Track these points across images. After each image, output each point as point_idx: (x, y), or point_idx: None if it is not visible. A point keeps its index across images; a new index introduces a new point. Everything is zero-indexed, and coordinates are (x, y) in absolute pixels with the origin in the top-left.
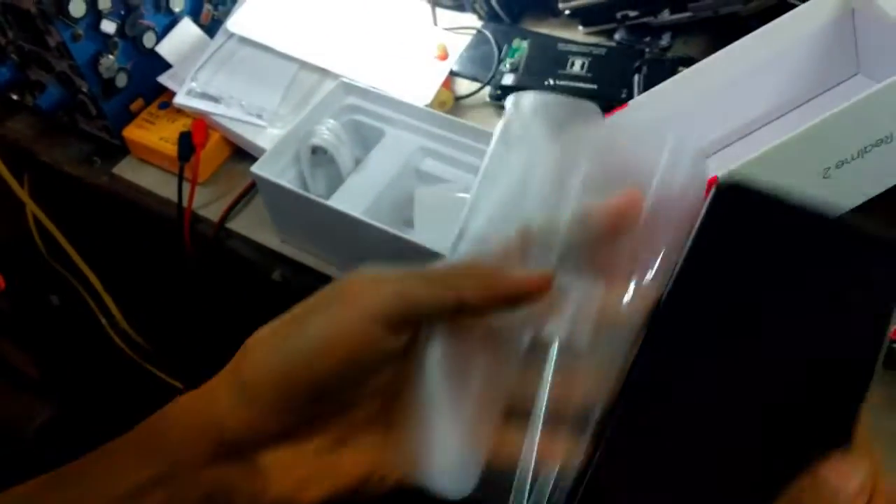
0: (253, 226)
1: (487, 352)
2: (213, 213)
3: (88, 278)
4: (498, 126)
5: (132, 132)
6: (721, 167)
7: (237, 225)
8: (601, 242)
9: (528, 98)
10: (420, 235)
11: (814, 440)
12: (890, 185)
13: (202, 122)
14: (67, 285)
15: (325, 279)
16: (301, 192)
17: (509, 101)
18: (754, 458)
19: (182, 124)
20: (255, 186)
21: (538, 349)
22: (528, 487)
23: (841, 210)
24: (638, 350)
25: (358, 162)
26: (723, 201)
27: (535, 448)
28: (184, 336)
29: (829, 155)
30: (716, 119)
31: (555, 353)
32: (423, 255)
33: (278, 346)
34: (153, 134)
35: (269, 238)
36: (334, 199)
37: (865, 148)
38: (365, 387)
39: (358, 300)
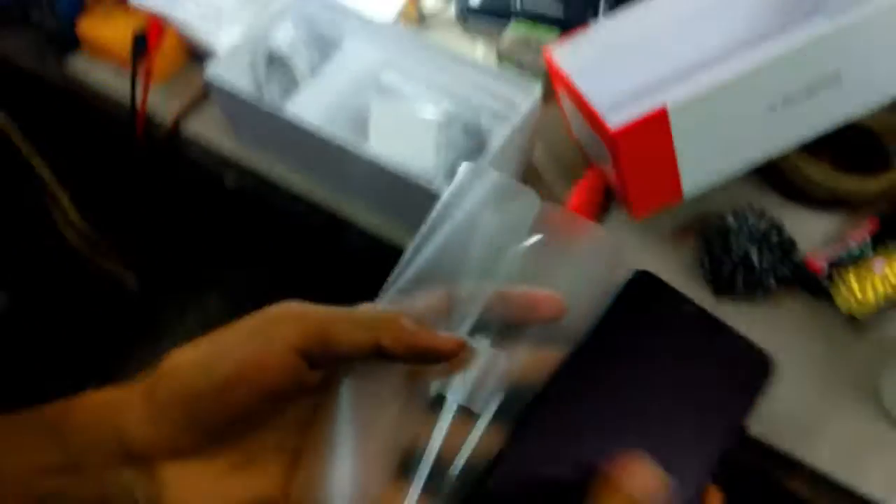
0: (207, 130)
1: (396, 400)
2: (168, 114)
3: (41, 173)
4: (447, 189)
5: (86, 27)
6: (675, 99)
7: (192, 128)
8: (514, 321)
9: (480, 169)
10: (374, 147)
11: None
12: (834, 124)
13: (158, 21)
14: (22, 181)
15: (274, 186)
16: (254, 98)
17: (461, 169)
18: None
19: (138, 21)
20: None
21: (440, 405)
22: None
23: (786, 147)
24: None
25: (315, 71)
26: (632, 288)
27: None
28: (135, 234)
29: (776, 90)
30: (676, 50)
31: (452, 410)
32: (375, 166)
33: (194, 370)
34: (108, 30)
35: (222, 143)
36: (289, 107)
37: (812, 86)
38: (279, 414)
39: (279, 331)
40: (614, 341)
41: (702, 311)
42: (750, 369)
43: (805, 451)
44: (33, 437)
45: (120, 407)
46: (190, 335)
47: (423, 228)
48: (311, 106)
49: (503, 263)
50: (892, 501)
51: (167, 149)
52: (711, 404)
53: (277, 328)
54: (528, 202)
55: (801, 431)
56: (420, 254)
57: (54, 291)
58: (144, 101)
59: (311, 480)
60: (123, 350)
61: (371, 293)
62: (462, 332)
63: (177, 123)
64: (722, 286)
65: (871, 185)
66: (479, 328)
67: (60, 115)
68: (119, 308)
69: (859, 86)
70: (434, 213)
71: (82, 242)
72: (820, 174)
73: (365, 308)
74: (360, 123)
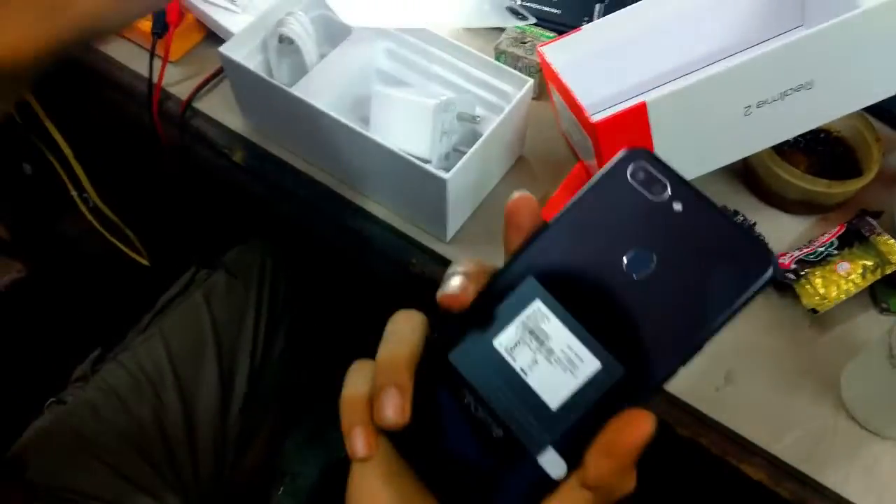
0: (220, 108)
1: None
2: (182, 92)
3: (61, 148)
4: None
5: None
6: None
7: (204, 106)
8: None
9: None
10: (374, 133)
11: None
12: (805, 129)
13: (177, 2)
14: (40, 155)
15: (284, 165)
16: (265, 76)
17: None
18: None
19: None
20: (223, 70)
21: None
22: None
23: (759, 148)
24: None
25: (323, 57)
26: (624, 162)
27: None
28: (147, 210)
29: (751, 93)
30: (662, 55)
31: None
32: (374, 146)
33: None
34: None
35: (233, 121)
36: (296, 88)
37: (786, 91)
38: None
39: None
40: (597, 213)
41: (700, 195)
42: (743, 263)
43: (765, 438)
44: None
45: None
46: None
47: None
48: (317, 90)
49: None
50: (846, 489)
51: (180, 124)
52: (696, 291)
53: None
54: None
55: (763, 419)
56: None
57: (68, 265)
58: (161, 77)
59: None
60: (133, 324)
61: (374, 271)
62: None
63: (190, 100)
64: None
65: (841, 188)
66: None
67: (80, 90)
68: (130, 283)
69: (831, 93)
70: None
71: (97, 217)
72: (792, 176)
73: None
74: (363, 108)
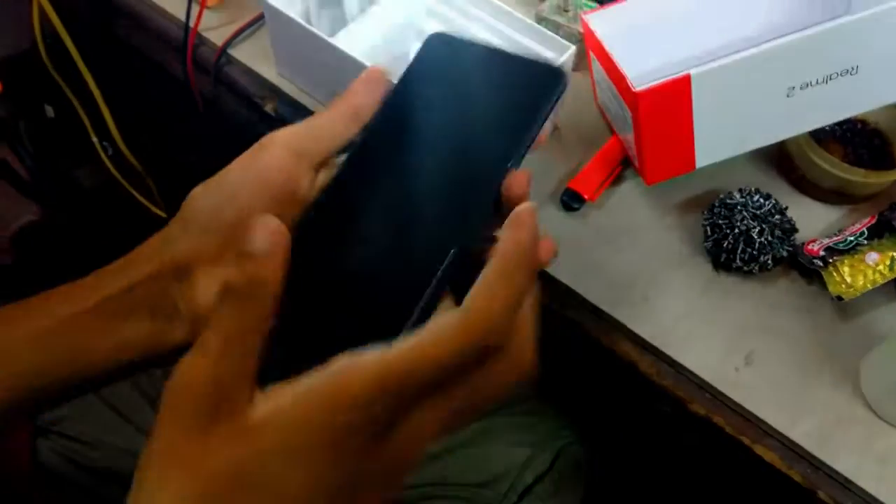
0: (254, 57)
1: None
2: (217, 37)
3: (88, 91)
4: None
5: None
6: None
7: (238, 53)
8: None
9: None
10: None
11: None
12: (847, 115)
13: None
14: (64, 99)
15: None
16: (306, 25)
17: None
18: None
19: None
20: (261, 19)
21: None
22: None
23: (799, 131)
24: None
25: (363, 11)
26: (430, 47)
27: None
28: (170, 160)
29: (796, 74)
30: (709, 32)
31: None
32: None
33: (210, 187)
34: None
35: (267, 71)
36: (336, 39)
37: (831, 75)
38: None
39: (274, 140)
40: (416, 92)
41: (492, 49)
42: (545, 82)
43: (781, 422)
44: (104, 276)
45: (164, 234)
46: None
47: None
48: (356, 43)
49: None
50: (858, 477)
51: (213, 70)
52: (515, 113)
53: (272, 139)
54: None
55: (780, 403)
56: None
57: (83, 213)
58: (198, 21)
59: None
60: None
61: None
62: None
63: (225, 47)
64: (721, 259)
65: (875, 179)
66: None
67: (113, 32)
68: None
69: (875, 81)
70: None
71: (116, 165)
72: (828, 163)
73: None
74: (400, 65)
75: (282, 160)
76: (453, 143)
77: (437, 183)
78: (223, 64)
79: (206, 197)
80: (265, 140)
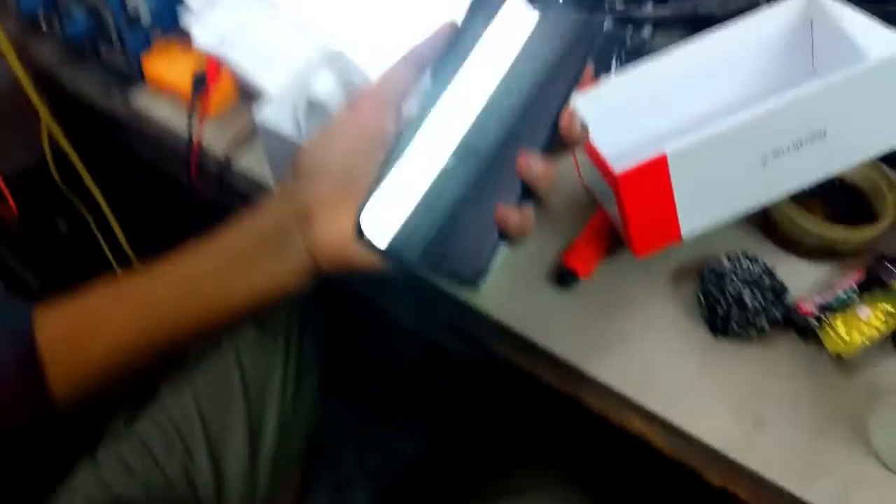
0: (255, 163)
1: None
2: (219, 148)
3: (98, 204)
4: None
5: (151, 65)
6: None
7: (241, 161)
8: None
9: None
10: None
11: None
12: (820, 177)
13: (216, 62)
14: (76, 213)
15: None
16: (296, 139)
17: None
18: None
19: (197, 62)
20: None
21: None
22: None
23: (777, 197)
24: None
25: None
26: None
27: None
28: None
29: (767, 143)
30: (679, 106)
31: None
32: None
33: (317, 143)
34: (170, 68)
35: (269, 176)
36: None
37: (801, 141)
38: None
39: (362, 95)
40: (471, 47)
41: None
42: (586, 30)
43: (796, 484)
44: (230, 231)
45: (285, 193)
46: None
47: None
48: None
49: None
50: None
51: (218, 180)
52: (562, 61)
53: (360, 95)
54: None
55: (793, 465)
56: None
57: None
58: (200, 134)
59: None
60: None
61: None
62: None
63: (228, 156)
64: (718, 325)
65: (857, 235)
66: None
67: (120, 147)
68: None
69: (844, 142)
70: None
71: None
72: (810, 223)
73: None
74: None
75: (372, 109)
76: (513, 90)
77: (502, 126)
78: (227, 173)
79: (315, 151)
80: (354, 96)
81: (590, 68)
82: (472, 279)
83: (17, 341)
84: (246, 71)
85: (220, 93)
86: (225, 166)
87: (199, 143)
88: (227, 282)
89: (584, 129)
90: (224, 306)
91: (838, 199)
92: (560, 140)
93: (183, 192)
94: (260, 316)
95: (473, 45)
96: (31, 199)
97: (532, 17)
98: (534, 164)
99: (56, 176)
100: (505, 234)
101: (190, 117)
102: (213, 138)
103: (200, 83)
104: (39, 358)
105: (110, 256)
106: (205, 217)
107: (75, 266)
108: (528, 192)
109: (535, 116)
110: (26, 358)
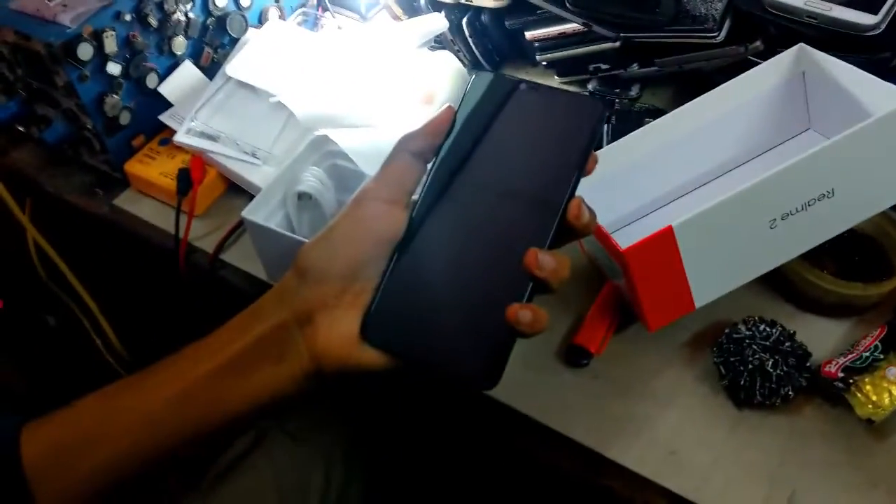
0: (245, 257)
1: None
2: (208, 244)
3: (86, 302)
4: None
5: (133, 167)
6: (680, 214)
7: (230, 256)
8: None
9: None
10: None
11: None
12: (831, 235)
13: (200, 160)
14: (64, 308)
15: None
16: (288, 234)
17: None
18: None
19: (181, 160)
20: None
21: None
22: None
23: (787, 258)
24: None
25: (342, 205)
26: (476, 86)
27: None
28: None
29: (775, 207)
30: (677, 169)
31: None
32: None
33: (320, 243)
34: (153, 169)
35: (260, 270)
36: None
37: (809, 202)
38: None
39: (367, 195)
40: (469, 132)
41: (536, 85)
42: (589, 115)
43: None
44: (230, 332)
45: (281, 286)
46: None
47: None
48: None
49: None
50: None
51: (208, 276)
52: (566, 145)
53: (365, 195)
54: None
55: None
56: None
57: None
58: (187, 232)
59: None
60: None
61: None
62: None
63: (217, 250)
64: (741, 396)
65: (876, 290)
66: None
67: (106, 247)
68: None
69: (853, 199)
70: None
71: (125, 371)
72: (826, 282)
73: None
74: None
75: (379, 210)
76: (516, 180)
77: (505, 216)
78: (217, 268)
79: (318, 252)
80: (359, 196)
81: (595, 155)
82: (485, 383)
83: (1, 459)
84: (232, 166)
85: (206, 188)
86: (214, 261)
87: (187, 241)
88: (224, 389)
89: (594, 217)
90: (222, 415)
91: (850, 251)
92: (568, 230)
93: (173, 288)
94: (294, 432)
95: (473, 131)
96: (17, 295)
97: (533, 98)
98: (545, 262)
99: (42, 273)
100: (517, 333)
101: (177, 217)
102: (202, 234)
103: (185, 181)
104: (25, 476)
105: (103, 350)
106: (197, 311)
107: (64, 361)
108: (538, 287)
109: (539, 206)
110: (11, 476)
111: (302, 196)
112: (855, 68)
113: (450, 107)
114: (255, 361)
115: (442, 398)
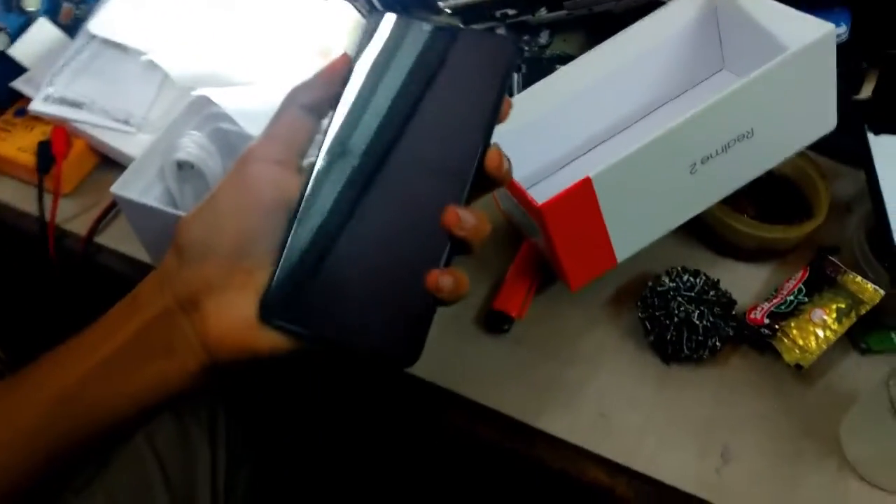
0: (125, 238)
1: None
2: (80, 226)
3: None
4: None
5: None
6: (597, 164)
7: (108, 238)
8: None
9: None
10: None
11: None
12: (752, 177)
13: (63, 130)
14: None
15: None
16: (167, 209)
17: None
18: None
19: (41, 132)
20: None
21: None
22: None
23: (709, 204)
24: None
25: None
26: (374, 29)
27: None
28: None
29: (694, 151)
30: (591, 117)
31: None
32: None
33: (201, 213)
34: (9, 144)
35: (142, 251)
36: None
37: (728, 143)
38: (274, 231)
39: (255, 155)
40: (369, 81)
41: (441, 25)
42: (500, 55)
43: None
44: (106, 327)
45: (161, 270)
46: None
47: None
48: None
49: None
50: None
51: (83, 261)
52: (477, 91)
53: (252, 155)
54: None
55: (769, 496)
56: None
57: None
58: (53, 214)
59: None
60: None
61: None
62: None
63: (91, 233)
64: (668, 351)
65: (796, 232)
66: None
67: None
68: None
69: (773, 138)
70: None
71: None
72: (747, 226)
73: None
74: None
75: (267, 172)
76: (424, 131)
77: (414, 173)
78: (93, 253)
79: (199, 225)
80: (244, 158)
81: (508, 100)
82: (405, 360)
83: None
84: (101, 136)
85: (72, 162)
86: (88, 245)
87: (55, 224)
88: (106, 390)
89: (511, 166)
90: (109, 418)
91: (768, 193)
92: (483, 183)
93: (44, 278)
94: (176, 407)
95: (374, 79)
96: None
97: (439, 40)
98: (466, 219)
99: None
100: (438, 301)
101: (40, 197)
102: (73, 215)
103: (46, 156)
104: None
105: None
106: (75, 302)
107: None
108: (457, 248)
109: (451, 159)
110: None
111: (182, 165)
112: (771, 1)
113: (346, 53)
114: (139, 357)
115: (354, 376)
